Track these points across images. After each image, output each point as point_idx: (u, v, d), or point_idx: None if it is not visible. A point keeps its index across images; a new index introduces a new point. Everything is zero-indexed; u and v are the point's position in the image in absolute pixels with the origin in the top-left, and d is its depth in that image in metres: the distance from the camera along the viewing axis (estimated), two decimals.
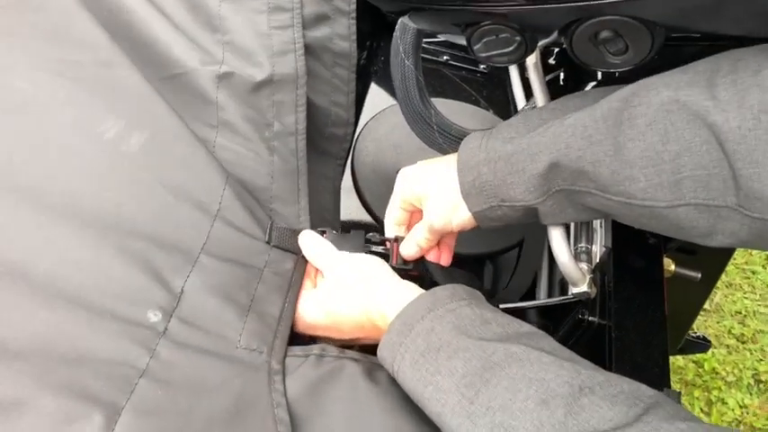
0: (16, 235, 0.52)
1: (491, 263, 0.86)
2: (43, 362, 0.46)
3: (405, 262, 0.70)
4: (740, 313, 1.99)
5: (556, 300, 0.68)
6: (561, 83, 0.74)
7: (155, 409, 0.47)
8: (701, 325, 1.93)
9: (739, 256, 2.06)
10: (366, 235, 0.70)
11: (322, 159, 0.79)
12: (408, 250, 0.69)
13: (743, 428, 1.72)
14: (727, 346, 1.91)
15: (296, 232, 0.65)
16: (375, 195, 0.86)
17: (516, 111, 0.85)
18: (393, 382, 0.54)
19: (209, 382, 0.50)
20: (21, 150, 0.57)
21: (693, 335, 1.06)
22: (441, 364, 0.49)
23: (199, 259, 0.58)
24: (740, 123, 0.45)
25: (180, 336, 0.52)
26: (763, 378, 1.85)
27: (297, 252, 0.64)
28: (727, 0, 0.45)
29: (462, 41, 0.58)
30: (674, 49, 0.63)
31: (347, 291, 0.61)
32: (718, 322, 1.95)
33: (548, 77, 0.76)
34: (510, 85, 1.01)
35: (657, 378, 0.64)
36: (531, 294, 0.79)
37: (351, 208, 0.86)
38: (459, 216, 0.64)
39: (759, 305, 2.00)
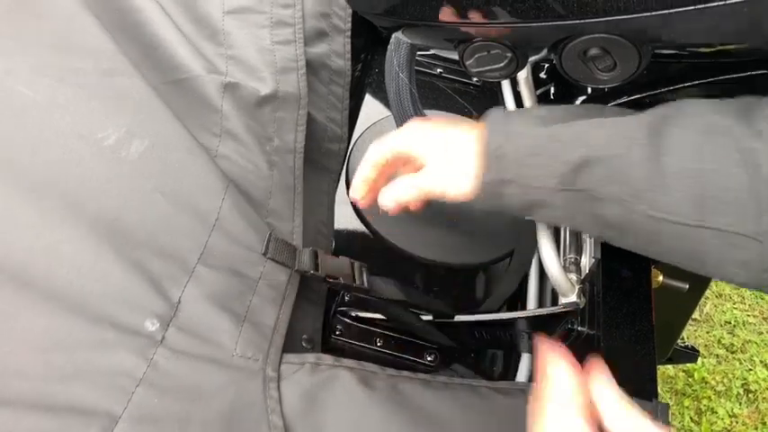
0: (17, 238, 0.53)
1: (481, 272, 0.88)
2: (42, 375, 0.47)
3: None
4: (729, 323, 2.01)
5: (546, 310, 0.69)
6: (551, 97, 0.75)
7: (151, 417, 0.48)
8: (691, 335, 1.95)
9: None
10: None
11: (319, 174, 0.81)
12: (388, 203, 0.66)
13: None
14: (717, 356, 1.93)
15: (291, 247, 0.66)
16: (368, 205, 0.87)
17: None
18: (390, 389, 0.55)
19: (205, 388, 0.51)
20: (21, 153, 0.58)
21: (682, 345, 1.08)
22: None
23: (195, 269, 0.59)
24: None
25: (177, 344, 0.53)
26: (752, 387, 1.86)
27: (291, 267, 0.65)
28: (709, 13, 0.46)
29: (455, 56, 0.59)
30: (661, 66, 0.65)
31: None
32: (707, 332, 1.97)
33: (538, 92, 0.78)
34: (502, 99, 1.03)
35: (645, 387, 0.66)
36: (515, 302, 0.80)
37: (344, 217, 0.87)
38: (459, 186, 0.61)
39: (748, 315, 2.03)
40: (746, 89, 0.63)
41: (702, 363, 1.88)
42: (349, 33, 0.89)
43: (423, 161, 0.64)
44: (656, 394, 0.65)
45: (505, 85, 0.95)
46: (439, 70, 1.06)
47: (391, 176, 0.68)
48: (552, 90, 0.76)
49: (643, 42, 0.51)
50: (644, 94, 0.66)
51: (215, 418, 0.49)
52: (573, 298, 0.59)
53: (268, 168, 0.70)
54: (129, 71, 0.67)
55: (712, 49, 0.55)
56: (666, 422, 0.55)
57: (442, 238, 0.87)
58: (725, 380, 1.87)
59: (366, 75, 1.07)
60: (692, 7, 0.45)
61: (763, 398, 1.82)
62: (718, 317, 2.01)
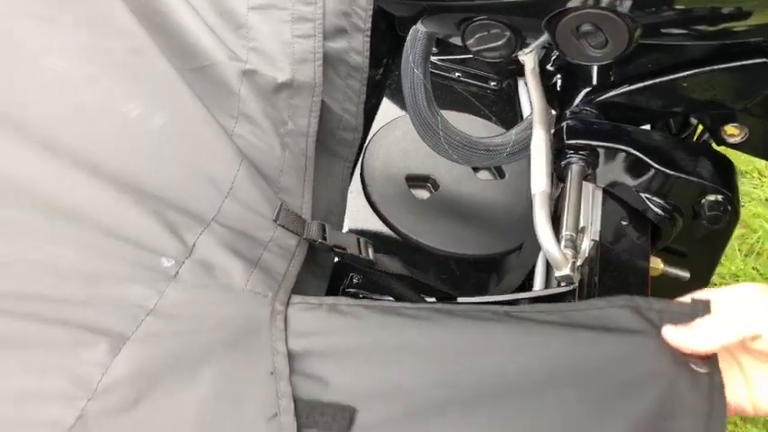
0: (44, 177, 0.58)
1: (488, 264, 0.90)
2: (59, 298, 0.51)
3: None
4: None
5: (544, 291, 0.71)
6: (558, 89, 0.78)
7: (158, 341, 0.51)
8: None
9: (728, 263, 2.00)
10: None
11: (331, 160, 0.84)
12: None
13: None
14: None
15: (300, 218, 0.69)
16: (382, 196, 0.91)
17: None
18: (406, 324, 0.55)
19: (212, 317, 0.54)
20: (54, 122, 0.63)
21: None
22: None
23: (210, 225, 0.62)
24: None
25: (189, 281, 0.56)
26: None
27: (300, 234, 0.68)
28: None
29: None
30: (660, 54, 0.67)
31: None
32: None
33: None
34: (519, 102, 1.06)
35: None
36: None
37: (358, 208, 0.91)
38: None
39: None
40: (742, 78, 0.65)
41: None
42: (369, 33, 0.92)
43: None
44: None
45: (522, 86, 0.98)
46: (457, 74, 1.09)
47: None
48: (559, 82, 0.78)
49: (633, 20, 0.53)
50: (646, 83, 0.68)
51: (220, 344, 0.52)
52: (566, 271, 0.60)
53: (281, 149, 0.74)
54: (154, 52, 0.72)
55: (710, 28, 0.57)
56: None
57: (452, 231, 0.89)
58: None
59: (386, 78, 1.10)
60: None
61: None
62: None
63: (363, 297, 0.83)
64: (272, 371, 0.51)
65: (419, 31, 0.85)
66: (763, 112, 0.67)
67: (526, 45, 0.62)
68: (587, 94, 0.72)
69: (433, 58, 1.10)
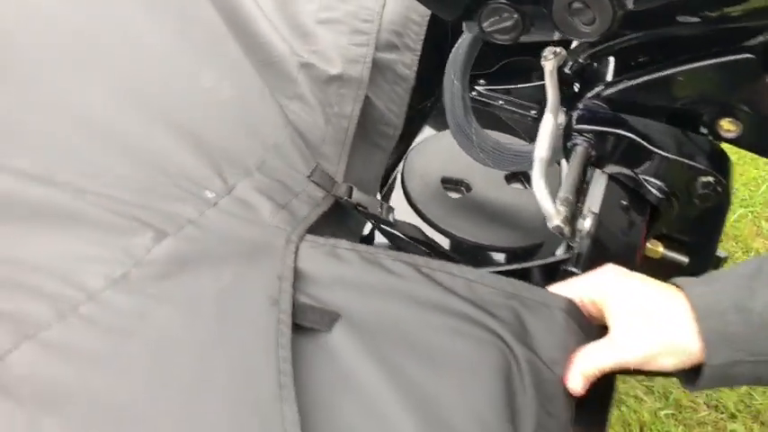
0: (128, 124, 0.71)
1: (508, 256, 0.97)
2: (120, 196, 0.63)
3: None
4: None
5: (545, 260, 0.77)
6: (575, 90, 0.87)
7: (191, 242, 0.62)
8: None
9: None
10: None
11: (371, 149, 0.95)
12: (574, 384, 0.56)
13: None
14: None
15: (331, 178, 0.80)
16: (418, 192, 1.01)
17: None
18: (380, 272, 0.63)
19: (238, 237, 0.65)
20: (144, 78, 0.77)
21: None
22: None
23: (252, 174, 0.74)
24: None
25: (225, 209, 0.67)
26: None
27: (328, 190, 0.78)
28: None
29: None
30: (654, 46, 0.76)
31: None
32: None
33: None
34: None
35: None
36: None
37: (395, 202, 1.01)
38: (665, 362, 0.56)
39: None
40: (729, 74, 0.72)
41: None
42: (419, 52, 1.06)
43: (611, 320, 0.59)
44: None
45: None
46: (500, 102, 1.19)
47: None
48: (576, 86, 0.87)
49: None
50: (642, 79, 0.76)
51: (241, 254, 0.62)
52: (557, 222, 0.68)
53: (325, 124, 0.86)
54: (230, 41, 0.87)
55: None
56: None
57: (478, 223, 0.98)
58: None
59: (435, 106, 1.22)
60: None
61: None
62: None
63: None
64: (280, 275, 0.61)
65: (460, 48, 0.97)
66: (754, 108, 0.73)
67: (530, 30, 0.72)
68: (596, 90, 0.81)
69: (480, 88, 1.22)
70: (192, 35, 0.86)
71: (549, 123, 0.77)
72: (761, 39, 0.70)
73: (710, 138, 0.78)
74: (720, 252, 0.88)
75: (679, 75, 0.74)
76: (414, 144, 1.12)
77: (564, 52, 0.84)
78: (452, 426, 0.49)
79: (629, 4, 0.64)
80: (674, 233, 0.80)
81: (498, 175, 1.05)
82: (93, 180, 0.65)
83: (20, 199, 0.60)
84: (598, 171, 0.80)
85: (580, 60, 0.86)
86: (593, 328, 0.60)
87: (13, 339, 0.48)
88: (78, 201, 0.62)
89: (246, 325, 0.54)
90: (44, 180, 0.63)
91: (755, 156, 0.80)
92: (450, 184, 1.05)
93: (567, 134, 0.79)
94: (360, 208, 0.80)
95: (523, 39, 0.73)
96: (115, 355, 0.49)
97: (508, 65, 1.20)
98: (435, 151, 1.08)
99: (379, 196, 1.02)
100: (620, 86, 0.78)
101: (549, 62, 0.83)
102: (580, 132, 0.78)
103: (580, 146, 0.77)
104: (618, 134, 0.77)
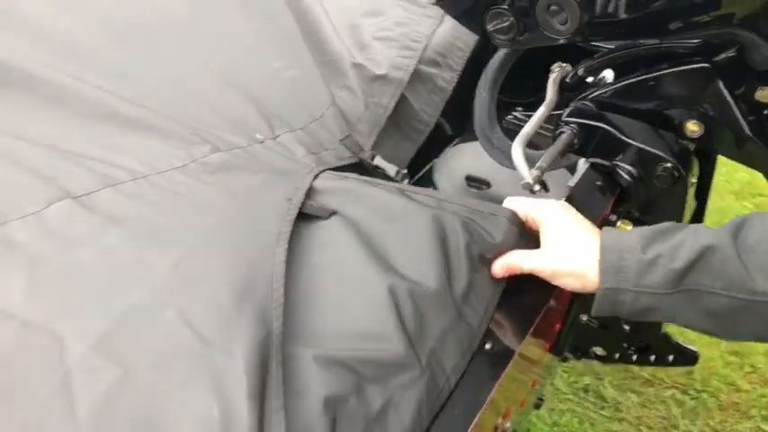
0: (209, 88, 0.94)
1: None
2: (190, 119, 0.84)
3: None
4: None
5: None
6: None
7: (236, 158, 0.83)
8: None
9: None
10: None
11: (402, 140, 1.14)
12: (496, 269, 0.72)
13: None
14: None
15: (359, 144, 1.00)
16: (444, 186, 1.19)
17: None
18: (379, 193, 0.81)
19: (272, 163, 0.85)
20: (219, 63, 1.00)
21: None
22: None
23: (295, 131, 0.94)
24: None
25: (268, 146, 0.88)
26: None
27: (355, 153, 0.97)
28: None
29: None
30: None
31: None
32: None
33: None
34: None
35: None
36: None
37: None
38: (568, 282, 0.72)
39: None
40: (688, 80, 0.87)
41: None
42: (459, 72, 1.25)
43: (545, 241, 0.74)
44: None
45: None
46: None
47: None
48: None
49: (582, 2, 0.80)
50: (615, 86, 0.92)
51: (272, 172, 0.82)
52: (528, 179, 0.84)
53: (364, 109, 1.06)
54: (299, 37, 1.09)
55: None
56: None
57: None
58: None
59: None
60: None
61: None
62: None
63: None
64: (297, 186, 0.80)
65: (490, 68, 1.16)
66: (713, 110, 0.87)
67: (524, 34, 0.89)
68: (585, 93, 0.97)
69: (517, 113, 1.39)
70: (270, 31, 1.10)
71: (540, 113, 0.94)
72: (715, 50, 0.85)
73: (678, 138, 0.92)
74: None
75: (650, 80, 0.90)
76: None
77: (568, 67, 1.02)
78: (398, 268, 0.65)
79: (596, 10, 0.81)
80: (640, 215, 0.94)
81: (515, 176, 1.21)
82: (176, 111, 0.87)
83: (124, 114, 0.83)
84: (582, 159, 0.95)
85: (579, 74, 1.02)
86: (531, 237, 0.75)
87: (99, 184, 0.69)
88: (162, 121, 0.84)
89: (265, 207, 0.73)
90: (142, 105, 0.85)
91: None
92: (473, 181, 1.22)
93: (557, 124, 0.95)
94: (379, 170, 0.98)
95: (522, 44, 0.91)
96: (168, 204, 0.70)
97: (540, 98, 1.37)
98: (464, 153, 1.26)
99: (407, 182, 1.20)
100: (604, 90, 0.94)
101: (554, 73, 1.01)
102: (567, 123, 0.94)
103: (566, 133, 0.93)
104: (597, 126, 0.92)
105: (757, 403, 1.74)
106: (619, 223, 0.94)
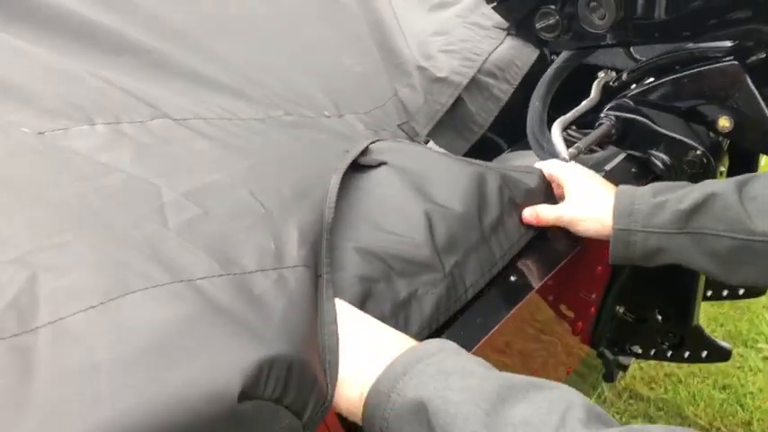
0: (288, 80, 1.08)
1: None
2: (268, 94, 0.98)
3: None
4: None
5: None
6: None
7: (305, 122, 0.96)
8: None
9: None
10: None
11: (455, 138, 1.25)
12: (527, 215, 0.82)
13: None
14: None
15: (415, 130, 1.11)
16: None
17: None
18: (428, 153, 0.92)
19: (336, 130, 0.97)
20: (299, 48, 1.15)
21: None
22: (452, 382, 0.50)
23: (360, 115, 1.07)
24: None
25: (334, 121, 1.01)
26: None
27: (411, 136, 1.09)
28: None
29: None
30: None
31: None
32: None
33: None
34: None
35: None
36: None
37: None
38: (588, 226, 0.81)
39: None
40: (719, 77, 0.95)
41: None
42: (515, 86, 1.36)
43: (570, 194, 0.84)
44: None
45: None
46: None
47: None
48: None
49: None
50: (654, 83, 1.01)
51: (334, 135, 0.94)
52: (564, 156, 0.93)
53: (423, 102, 1.18)
54: (370, 40, 1.23)
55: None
56: None
57: None
58: None
59: None
60: None
61: None
62: None
63: None
64: (355, 145, 0.91)
65: (543, 80, 1.26)
66: (744, 106, 0.95)
67: (568, 33, 1.00)
68: (625, 92, 1.06)
69: (571, 131, 1.48)
70: (344, 31, 1.24)
71: (582, 106, 1.04)
72: (746, 53, 0.93)
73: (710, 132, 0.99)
74: None
75: (684, 78, 0.98)
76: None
77: (613, 73, 1.11)
78: (436, 198, 0.75)
79: (635, 8, 0.91)
80: None
81: None
82: (259, 84, 1.01)
83: (218, 81, 0.98)
84: (619, 150, 1.03)
85: (623, 79, 1.11)
86: (554, 194, 0.84)
87: (193, 115, 0.83)
88: (248, 88, 0.98)
89: (326, 151, 0.85)
90: (233, 77, 1.00)
91: None
92: None
93: (598, 117, 1.04)
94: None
95: (566, 45, 1.02)
96: (248, 135, 0.83)
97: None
98: (515, 160, 1.35)
99: None
100: (643, 88, 1.03)
101: (600, 78, 1.11)
102: (607, 116, 1.03)
103: (605, 124, 1.02)
104: (635, 119, 1.01)
105: None
106: None
